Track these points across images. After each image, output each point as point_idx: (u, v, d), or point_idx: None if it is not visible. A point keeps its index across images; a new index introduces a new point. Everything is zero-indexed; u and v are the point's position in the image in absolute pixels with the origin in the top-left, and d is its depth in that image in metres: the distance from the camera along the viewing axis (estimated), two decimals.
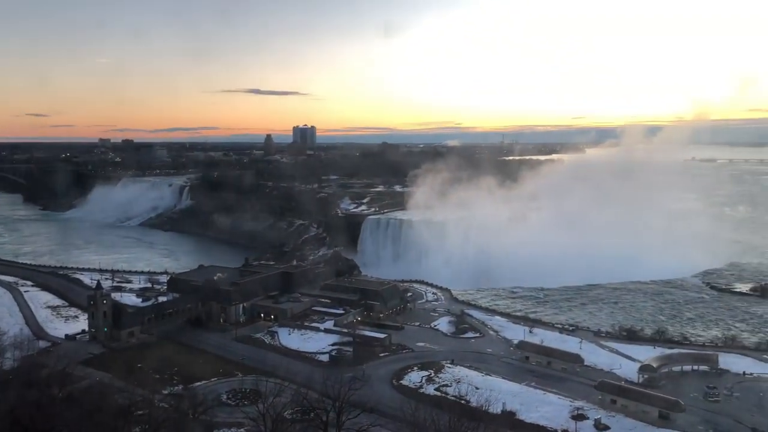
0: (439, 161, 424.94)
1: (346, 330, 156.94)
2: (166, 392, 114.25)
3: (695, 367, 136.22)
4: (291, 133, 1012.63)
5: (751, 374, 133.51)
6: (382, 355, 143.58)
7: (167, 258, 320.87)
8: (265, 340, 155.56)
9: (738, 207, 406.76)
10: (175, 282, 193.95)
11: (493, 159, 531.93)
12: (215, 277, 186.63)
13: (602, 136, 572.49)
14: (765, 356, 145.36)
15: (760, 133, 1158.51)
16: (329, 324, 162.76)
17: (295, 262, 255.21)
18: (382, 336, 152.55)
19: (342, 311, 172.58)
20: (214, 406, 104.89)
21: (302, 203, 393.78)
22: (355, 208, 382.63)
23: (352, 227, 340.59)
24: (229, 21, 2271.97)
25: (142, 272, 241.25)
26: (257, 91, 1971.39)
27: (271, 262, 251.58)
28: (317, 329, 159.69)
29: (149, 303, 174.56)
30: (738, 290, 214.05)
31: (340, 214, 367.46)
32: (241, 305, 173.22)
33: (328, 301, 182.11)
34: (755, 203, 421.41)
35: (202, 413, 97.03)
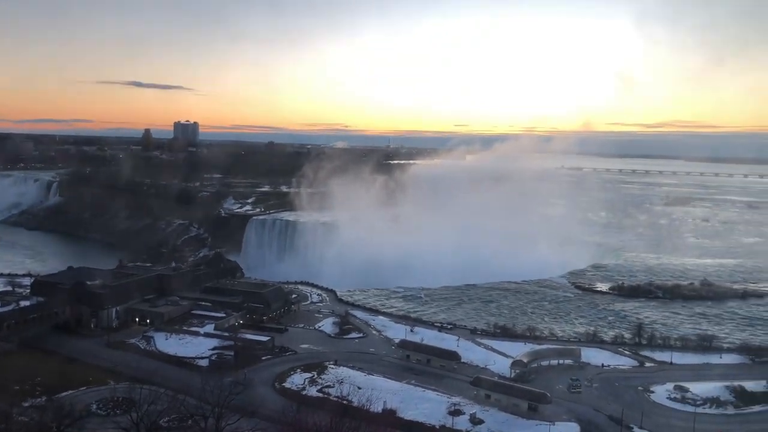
0: (327, 162, 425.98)
1: (227, 334, 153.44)
2: (27, 404, 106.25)
3: (561, 361, 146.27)
4: (172, 129, 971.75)
5: (609, 366, 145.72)
6: (264, 358, 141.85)
7: (31, 259, 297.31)
8: (140, 345, 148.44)
9: (600, 212, 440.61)
10: (40, 285, 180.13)
11: (379, 162, 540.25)
12: (87, 281, 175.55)
13: (483, 143, 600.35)
14: (620, 349, 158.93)
15: (620, 144, 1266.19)
16: (209, 328, 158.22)
17: (173, 264, 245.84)
18: (265, 339, 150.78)
19: (223, 314, 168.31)
20: (82, 417, 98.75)
21: (182, 202, 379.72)
22: (239, 208, 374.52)
23: (235, 228, 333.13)
24: (108, 10, 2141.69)
25: (0, 274, 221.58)
26: (138, 84, 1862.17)
27: (148, 264, 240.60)
28: (197, 333, 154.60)
29: (9, 308, 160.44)
30: (599, 289, 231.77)
31: (222, 214, 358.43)
32: (114, 309, 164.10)
33: (209, 304, 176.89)
34: (615, 209, 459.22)
35: (69, 425, 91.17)
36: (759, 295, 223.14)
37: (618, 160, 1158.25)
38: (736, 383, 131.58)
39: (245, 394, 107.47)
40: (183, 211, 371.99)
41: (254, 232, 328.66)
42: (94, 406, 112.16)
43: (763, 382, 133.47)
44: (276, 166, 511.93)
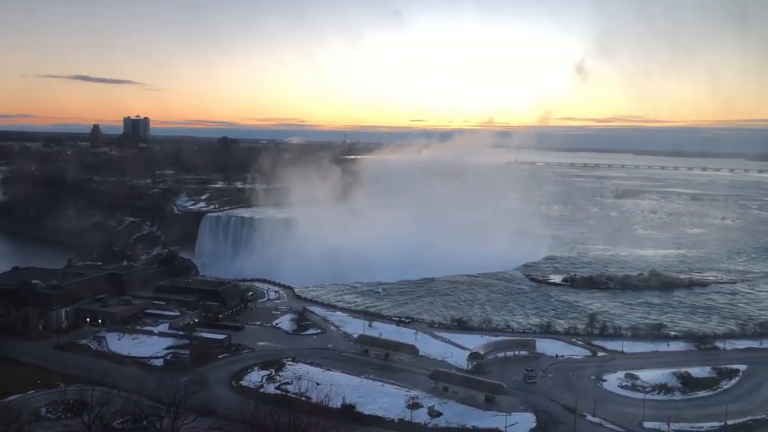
0: (282, 158, 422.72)
1: (182, 332, 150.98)
2: None
3: (517, 353, 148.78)
4: (122, 125, 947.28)
5: (563, 356, 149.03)
6: (221, 356, 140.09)
7: None
8: (92, 346, 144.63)
9: (553, 206, 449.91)
10: None
11: (335, 157, 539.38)
12: (34, 281, 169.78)
13: (439, 138, 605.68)
14: (574, 339, 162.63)
15: (572, 139, 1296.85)
16: (164, 327, 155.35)
17: (125, 263, 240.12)
18: (222, 337, 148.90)
19: (178, 313, 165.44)
20: (30, 422, 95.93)
21: (133, 199, 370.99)
22: (192, 204, 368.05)
23: (189, 225, 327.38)
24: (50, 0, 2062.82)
25: None
26: (85, 78, 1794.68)
27: (99, 263, 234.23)
28: (151, 333, 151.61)
29: None
30: (552, 281, 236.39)
31: (175, 211, 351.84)
32: (63, 310, 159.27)
33: (163, 303, 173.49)
34: (566, 202, 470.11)
35: (17, 430, 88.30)
36: (703, 284, 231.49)
37: (570, 154, 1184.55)
38: (682, 370, 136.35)
39: (201, 393, 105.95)
40: (134, 208, 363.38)
41: (209, 230, 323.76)
42: (43, 410, 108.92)
43: (708, 368, 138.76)
44: (230, 162, 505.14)
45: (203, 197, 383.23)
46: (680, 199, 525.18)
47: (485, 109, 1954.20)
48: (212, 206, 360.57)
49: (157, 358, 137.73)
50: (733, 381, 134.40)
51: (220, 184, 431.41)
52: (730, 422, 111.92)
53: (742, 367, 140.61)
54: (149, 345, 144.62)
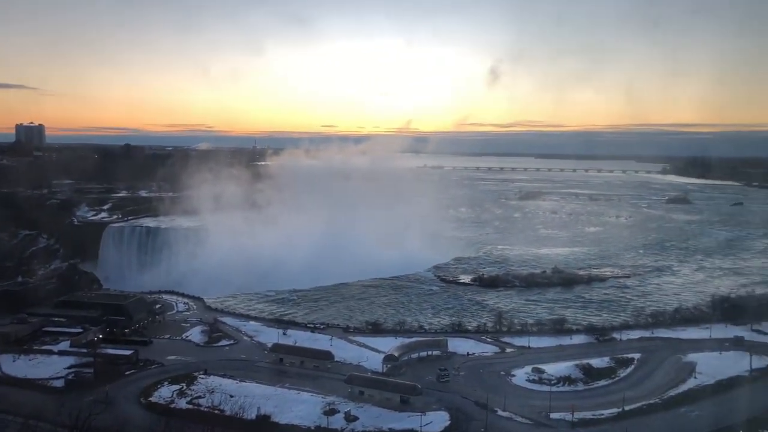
0: (189, 164, 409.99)
1: (85, 350, 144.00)
2: None
3: (430, 353, 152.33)
4: (14, 132, 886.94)
5: (473, 354, 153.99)
6: (128, 373, 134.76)
7: None
8: None
9: (460, 208, 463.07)
10: None
11: (245, 163, 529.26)
12: None
13: (350, 143, 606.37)
14: (483, 337, 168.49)
15: (477, 143, 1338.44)
16: (65, 345, 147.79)
17: (20, 279, 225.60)
18: (128, 352, 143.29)
19: (80, 330, 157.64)
20: None
21: (28, 211, 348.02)
22: (94, 215, 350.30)
23: (90, 237, 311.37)
24: None
25: None
26: None
27: None
28: (50, 352, 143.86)
29: None
30: (462, 281, 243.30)
31: (75, 223, 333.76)
32: None
33: (64, 319, 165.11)
34: (473, 205, 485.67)
35: None
36: (601, 279, 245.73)
37: (475, 158, 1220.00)
38: (584, 361, 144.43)
39: (108, 413, 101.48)
40: (29, 220, 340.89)
41: (112, 241, 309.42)
42: None
43: (606, 359, 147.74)
44: (134, 170, 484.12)
45: (105, 207, 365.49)
46: (579, 200, 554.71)
47: (395, 116, 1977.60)
48: (115, 216, 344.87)
49: (57, 378, 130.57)
50: (629, 369, 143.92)
51: (123, 193, 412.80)
52: (627, 408, 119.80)
53: (637, 356, 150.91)
54: (48, 365, 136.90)
